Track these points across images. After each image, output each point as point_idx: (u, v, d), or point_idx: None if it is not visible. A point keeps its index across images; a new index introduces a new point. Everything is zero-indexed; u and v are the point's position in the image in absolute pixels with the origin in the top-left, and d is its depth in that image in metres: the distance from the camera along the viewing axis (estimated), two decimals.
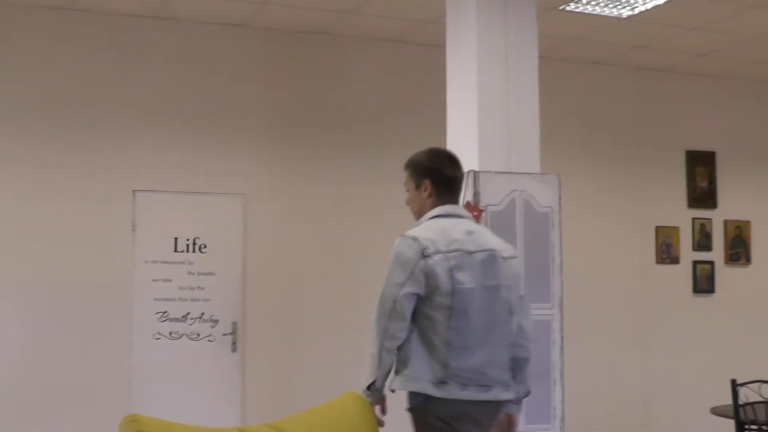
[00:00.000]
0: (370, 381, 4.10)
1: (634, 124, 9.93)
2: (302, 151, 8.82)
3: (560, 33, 8.62)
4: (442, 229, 4.15)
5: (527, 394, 4.26)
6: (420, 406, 4.06)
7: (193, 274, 8.33)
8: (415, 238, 4.11)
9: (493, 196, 5.60)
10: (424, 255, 4.05)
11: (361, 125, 8.97)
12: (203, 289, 8.35)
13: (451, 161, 4.38)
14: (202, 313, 8.33)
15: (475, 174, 5.63)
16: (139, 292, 8.17)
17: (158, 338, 8.17)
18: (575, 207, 8.68)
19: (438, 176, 4.30)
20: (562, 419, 5.59)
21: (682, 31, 8.58)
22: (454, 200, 4.34)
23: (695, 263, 9.96)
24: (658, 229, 9.82)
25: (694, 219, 10.01)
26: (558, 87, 9.17)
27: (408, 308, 4.05)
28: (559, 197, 5.80)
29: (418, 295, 4.07)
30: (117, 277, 8.12)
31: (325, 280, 8.80)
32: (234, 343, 8.42)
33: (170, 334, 8.23)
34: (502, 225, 5.55)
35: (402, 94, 9.06)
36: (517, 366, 4.21)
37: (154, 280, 8.26)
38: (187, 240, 8.38)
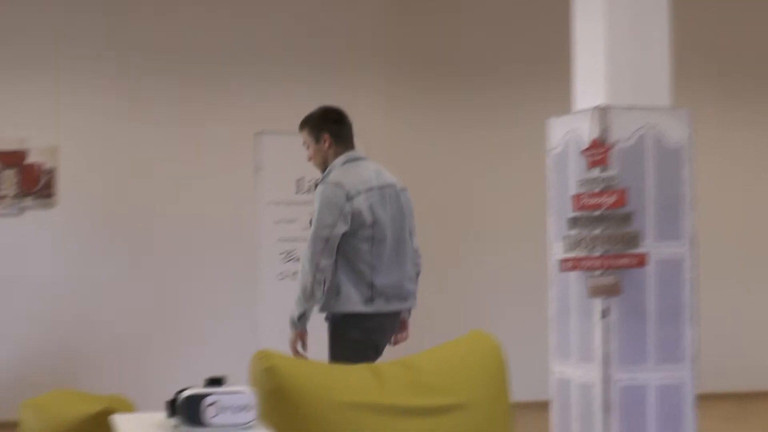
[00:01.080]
0: (301, 311, 4.84)
1: None
2: (421, 92, 8.77)
3: None
4: (356, 173, 4.84)
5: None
6: (346, 322, 4.84)
7: None
8: (338, 184, 4.78)
9: (621, 132, 5.43)
10: (348, 197, 4.74)
11: (483, 65, 8.87)
12: None
13: (340, 113, 5.07)
14: None
15: (603, 110, 5.47)
16: (263, 233, 8.24)
17: (282, 279, 8.24)
18: (709, 142, 8.38)
19: (334, 128, 4.99)
20: (695, 360, 5.45)
21: None
22: (351, 146, 5.03)
23: None
24: None
25: None
26: (691, 16, 8.83)
27: (335, 246, 4.75)
28: (691, 132, 5.60)
29: (344, 232, 4.76)
30: (241, 219, 8.22)
31: (446, 219, 8.76)
32: None
33: (294, 274, 8.26)
34: (631, 161, 5.39)
35: (525, 32, 8.90)
36: (416, 279, 5.11)
37: (277, 222, 8.31)
38: (310, 181, 8.40)
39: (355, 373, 4.12)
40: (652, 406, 5.29)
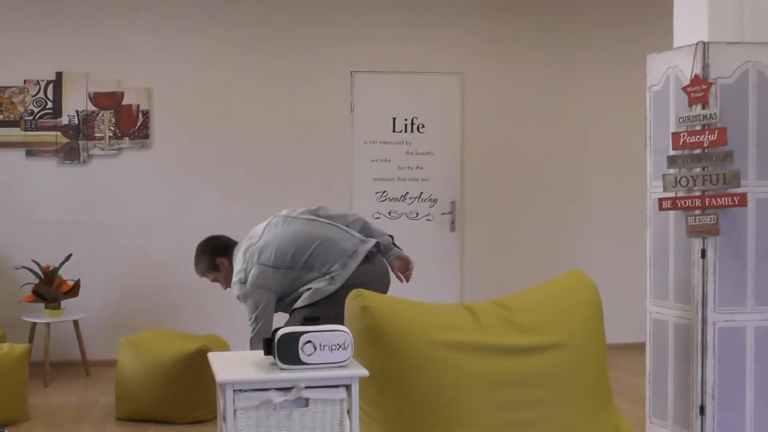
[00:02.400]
0: None
1: None
2: (519, 31, 8.64)
3: None
4: (246, 248, 5.23)
5: (390, 238, 5.36)
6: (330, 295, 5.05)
7: (412, 153, 8.34)
8: (238, 273, 5.18)
9: (723, 68, 5.28)
10: (247, 270, 5.13)
11: (580, 5, 8.69)
12: (422, 168, 8.36)
13: (210, 239, 5.56)
14: (421, 193, 8.36)
15: (705, 45, 5.32)
16: (359, 172, 8.25)
17: (378, 217, 8.27)
18: None
19: (217, 251, 5.45)
20: None
21: None
22: (234, 244, 5.47)
23: None
24: None
25: None
26: None
27: (271, 313, 5.12)
28: None
29: (275, 294, 5.13)
30: (337, 157, 8.23)
31: (542, 158, 8.67)
32: (452, 222, 8.43)
33: (389, 213, 8.31)
34: (733, 98, 5.25)
35: None
36: (365, 231, 5.29)
37: (373, 161, 8.32)
38: (405, 120, 8.38)
39: (451, 312, 4.10)
40: (750, 348, 5.19)
